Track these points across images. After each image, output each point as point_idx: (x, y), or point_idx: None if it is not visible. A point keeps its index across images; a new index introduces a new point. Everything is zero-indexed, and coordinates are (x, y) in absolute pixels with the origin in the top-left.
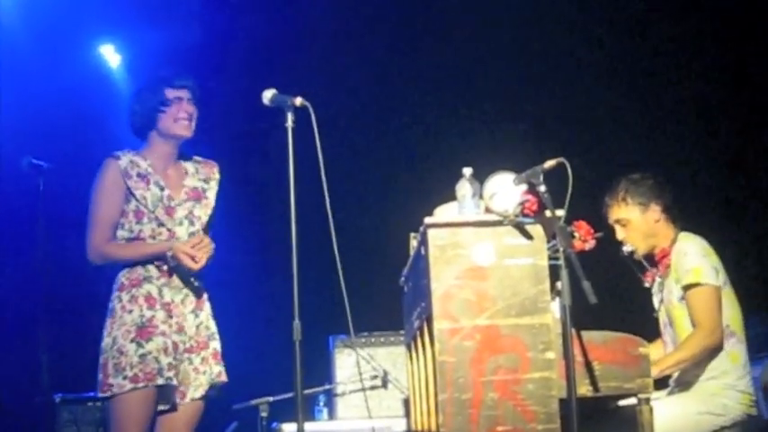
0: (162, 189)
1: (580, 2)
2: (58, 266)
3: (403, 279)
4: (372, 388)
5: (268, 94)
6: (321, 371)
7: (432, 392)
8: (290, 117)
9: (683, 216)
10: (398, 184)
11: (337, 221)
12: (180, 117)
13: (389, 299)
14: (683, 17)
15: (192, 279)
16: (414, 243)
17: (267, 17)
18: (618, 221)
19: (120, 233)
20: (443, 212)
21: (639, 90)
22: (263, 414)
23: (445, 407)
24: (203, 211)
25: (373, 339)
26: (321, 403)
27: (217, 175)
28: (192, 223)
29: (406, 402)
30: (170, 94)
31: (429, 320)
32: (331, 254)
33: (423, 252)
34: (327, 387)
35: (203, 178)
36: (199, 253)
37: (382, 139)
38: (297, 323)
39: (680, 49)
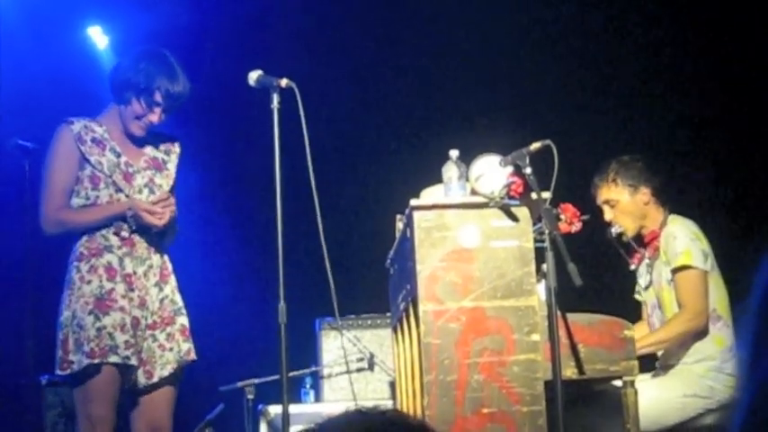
0: (118, 155)
1: None
2: (44, 247)
3: (389, 261)
4: (358, 370)
5: (254, 75)
6: (307, 353)
7: (417, 374)
8: (275, 98)
9: (673, 199)
10: (385, 165)
11: (323, 203)
12: (143, 121)
13: (375, 281)
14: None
15: (156, 248)
16: (399, 225)
17: None
18: (607, 202)
19: (76, 200)
20: (429, 194)
21: (627, 72)
22: (250, 396)
23: (431, 389)
24: (164, 181)
25: (359, 322)
26: (307, 385)
27: (177, 149)
28: (152, 191)
29: (393, 385)
30: (157, 95)
31: (414, 302)
32: (317, 236)
33: (408, 234)
34: (313, 369)
35: (163, 150)
36: (161, 209)
37: (368, 121)
38: (282, 305)
39: (669, 29)
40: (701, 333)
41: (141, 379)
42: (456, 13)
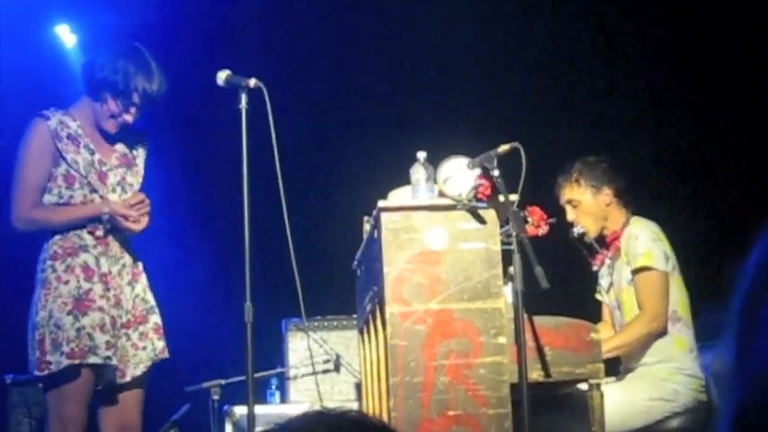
0: (92, 153)
1: None
2: (8, 245)
3: (356, 263)
4: (325, 372)
5: (222, 75)
6: (273, 354)
7: (383, 376)
8: (243, 98)
9: (636, 202)
10: (352, 167)
11: (290, 203)
12: (117, 120)
13: (342, 282)
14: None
15: (128, 247)
16: (367, 226)
17: None
18: (569, 202)
19: (48, 198)
20: (397, 196)
21: (595, 75)
22: (215, 397)
23: (397, 390)
24: (135, 179)
25: (326, 323)
26: (273, 387)
27: (145, 144)
28: (124, 190)
29: (359, 386)
30: (134, 96)
31: (381, 304)
32: (284, 236)
33: (375, 235)
34: (279, 370)
35: (133, 146)
36: (138, 214)
37: (336, 122)
38: (248, 305)
39: (635, 32)
40: (659, 335)
41: (113, 378)
42: (424, 15)
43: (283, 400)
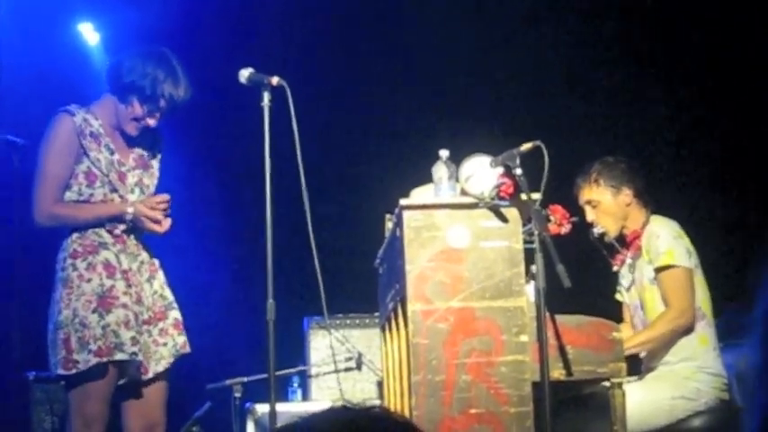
0: (112, 153)
1: None
2: (32, 243)
3: (378, 261)
4: (346, 370)
5: (245, 73)
6: (295, 352)
7: (405, 374)
8: (266, 96)
9: (657, 201)
10: (375, 165)
11: (313, 201)
12: (140, 124)
13: (364, 280)
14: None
15: (144, 244)
16: (389, 224)
17: None
18: (589, 202)
19: (68, 194)
20: (419, 194)
21: (619, 74)
22: (237, 394)
23: (418, 389)
24: (151, 181)
25: (348, 321)
26: (295, 384)
27: (161, 147)
28: (142, 192)
29: (380, 384)
30: (161, 102)
31: (403, 302)
32: (306, 234)
33: (398, 233)
34: (301, 368)
35: (148, 146)
36: (162, 215)
37: (359, 120)
38: (271, 302)
39: (660, 32)
40: (687, 330)
41: (136, 374)
42: (447, 14)
43: (305, 397)
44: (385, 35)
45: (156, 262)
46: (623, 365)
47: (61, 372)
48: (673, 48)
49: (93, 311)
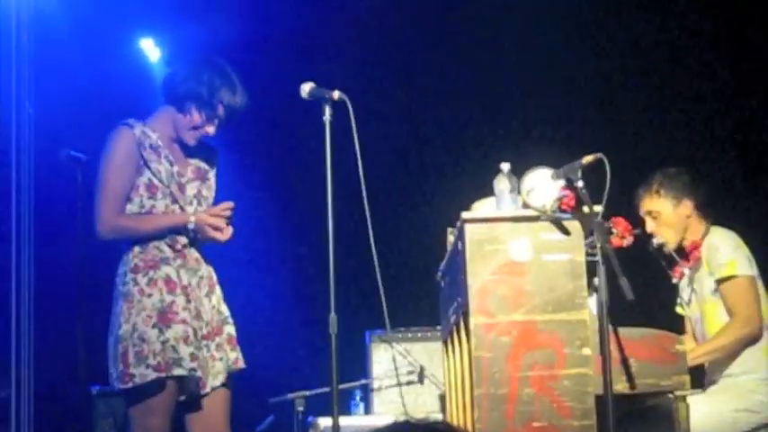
0: (171, 164)
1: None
2: (96, 258)
3: (440, 274)
4: (409, 383)
5: (306, 88)
6: (358, 366)
7: (468, 388)
8: (327, 110)
9: (717, 214)
10: (436, 178)
11: (374, 215)
12: (198, 132)
13: (426, 294)
14: (711, 6)
15: (204, 259)
16: (451, 238)
17: (306, 10)
18: (649, 213)
19: (129, 207)
20: (481, 207)
21: (683, 87)
22: (300, 408)
23: (481, 402)
24: (209, 193)
25: (410, 334)
26: (357, 398)
27: (217, 160)
28: (200, 203)
29: (443, 398)
30: (219, 108)
31: (465, 315)
32: (368, 248)
33: (459, 247)
34: (363, 382)
35: (206, 160)
36: (225, 223)
37: (420, 133)
38: (333, 316)
39: (721, 47)
40: (754, 339)
41: (195, 390)
42: (508, 27)
43: (367, 411)
44: (444, 49)
45: (214, 276)
46: (687, 378)
47: (119, 385)
48: (738, 57)
49: (153, 326)
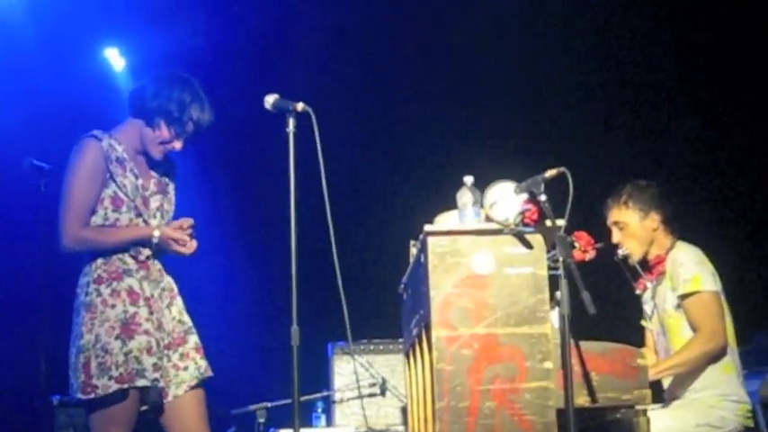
0: (136, 177)
1: (579, 12)
2: (58, 268)
3: (402, 286)
4: (370, 395)
5: (270, 99)
6: (320, 377)
7: (429, 400)
8: (291, 122)
9: (684, 228)
10: (399, 191)
11: (337, 227)
12: (166, 148)
13: (388, 306)
14: (682, 21)
15: (166, 271)
16: (413, 250)
17: (270, 23)
18: (616, 223)
19: (94, 219)
20: (444, 220)
21: (645, 100)
22: (261, 420)
23: (442, 415)
24: (170, 206)
25: (372, 347)
26: (319, 410)
27: (176, 171)
28: (162, 217)
29: (404, 410)
30: (189, 125)
31: (427, 328)
32: (330, 260)
33: (422, 259)
34: (325, 394)
35: (165, 172)
36: (188, 237)
37: (383, 146)
38: (295, 328)
39: (682, 55)
40: (718, 354)
41: (157, 400)
42: (472, 42)
43: (329, 423)
44: (410, 63)
45: (175, 288)
46: (648, 392)
47: (80, 396)
48: (702, 72)
49: (116, 338)
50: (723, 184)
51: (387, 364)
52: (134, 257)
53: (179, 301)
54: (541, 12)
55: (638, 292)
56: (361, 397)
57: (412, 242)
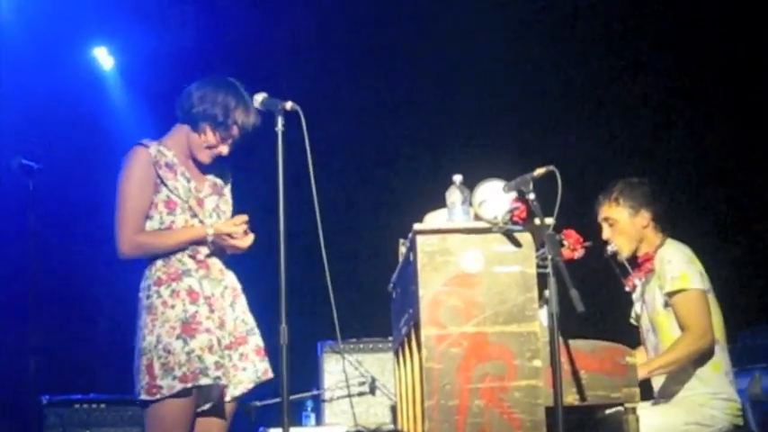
0: (188, 180)
1: (568, 10)
2: (47, 268)
3: (391, 285)
4: (360, 394)
5: (259, 98)
6: (309, 376)
7: (418, 399)
8: (280, 121)
9: (674, 227)
10: (388, 189)
11: (326, 226)
12: (213, 152)
13: (378, 305)
14: (673, 19)
15: (227, 269)
16: (403, 249)
17: (259, 22)
18: (606, 220)
19: (149, 224)
20: (433, 219)
21: (634, 100)
22: (251, 418)
23: (432, 413)
24: (227, 207)
25: (361, 345)
26: (309, 409)
27: (230, 177)
28: (219, 217)
29: (394, 409)
30: (234, 129)
31: (417, 327)
32: (320, 258)
33: (411, 258)
34: (315, 392)
35: (219, 174)
36: (242, 231)
37: (372, 145)
38: (284, 327)
39: (673, 51)
40: (707, 353)
41: (218, 398)
42: (461, 40)
43: (319, 422)
44: (398, 61)
45: (238, 287)
46: (637, 390)
47: (145, 397)
48: (691, 69)
49: (178, 338)
50: (709, 184)
51: (376, 362)
52: (192, 257)
53: (242, 300)
54: (531, 9)
55: (627, 289)
56: (350, 396)
57: (401, 241)
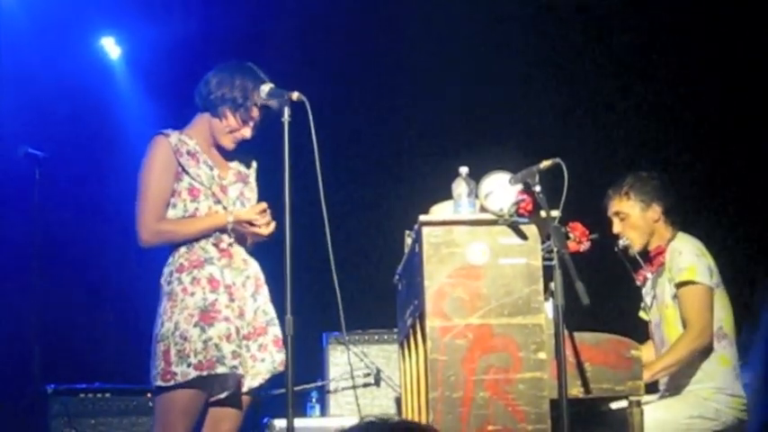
0: (211, 168)
1: (575, 4)
2: (52, 257)
3: (397, 277)
4: (365, 385)
5: (265, 88)
6: (314, 367)
7: (423, 390)
8: (286, 111)
9: (684, 220)
10: (394, 181)
11: (332, 217)
12: (236, 136)
13: (383, 296)
14: (683, 12)
15: (251, 259)
16: (408, 241)
17: (266, 11)
18: (617, 214)
19: (173, 212)
20: (439, 211)
21: (640, 91)
22: (256, 409)
23: (436, 405)
24: (252, 194)
25: (366, 337)
26: (313, 399)
27: (255, 165)
28: (243, 204)
29: (398, 400)
30: (254, 111)
31: (422, 318)
32: (325, 250)
33: (417, 250)
34: (320, 383)
35: (245, 164)
36: (264, 220)
37: (379, 137)
38: (289, 318)
39: (681, 47)
40: (706, 351)
41: (234, 388)
42: (468, 32)
43: (323, 413)
44: (405, 53)
45: (262, 277)
46: (641, 383)
47: (159, 383)
48: (699, 65)
49: (195, 325)
50: (714, 179)
51: (381, 353)
52: (216, 245)
53: (265, 291)
54: (537, 1)
55: (638, 283)
56: (355, 387)
57: (407, 232)
